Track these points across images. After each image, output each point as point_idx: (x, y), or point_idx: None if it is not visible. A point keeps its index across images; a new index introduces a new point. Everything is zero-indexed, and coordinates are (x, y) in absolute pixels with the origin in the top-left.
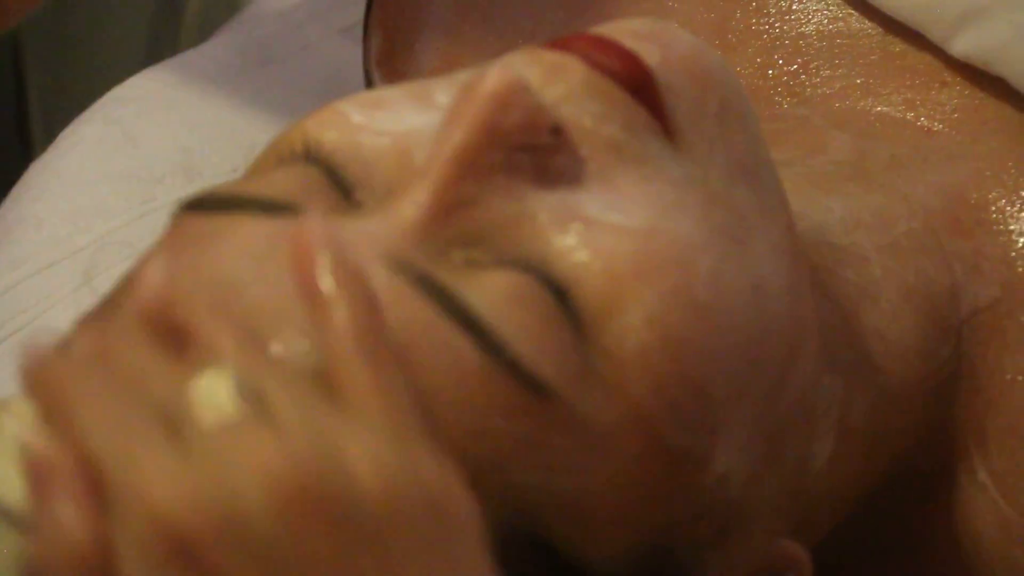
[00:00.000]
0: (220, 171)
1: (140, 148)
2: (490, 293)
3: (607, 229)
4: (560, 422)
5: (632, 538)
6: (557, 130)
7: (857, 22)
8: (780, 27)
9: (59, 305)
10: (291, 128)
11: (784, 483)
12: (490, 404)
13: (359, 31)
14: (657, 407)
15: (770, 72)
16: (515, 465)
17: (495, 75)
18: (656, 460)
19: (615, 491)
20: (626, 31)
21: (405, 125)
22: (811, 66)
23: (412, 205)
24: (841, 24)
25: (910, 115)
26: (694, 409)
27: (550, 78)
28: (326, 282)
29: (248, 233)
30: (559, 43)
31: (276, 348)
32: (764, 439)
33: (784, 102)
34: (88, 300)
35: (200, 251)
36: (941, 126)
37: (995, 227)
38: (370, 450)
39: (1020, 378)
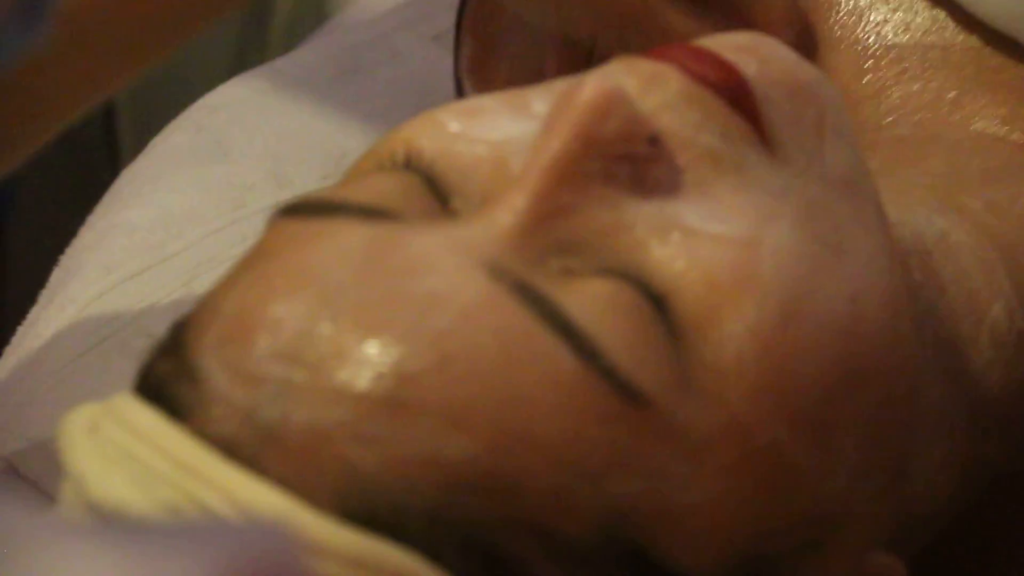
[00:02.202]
0: (310, 179)
1: (231, 155)
2: (587, 301)
3: (706, 238)
4: (657, 430)
5: (728, 547)
6: (655, 139)
7: (953, 35)
8: (874, 37)
9: (152, 310)
10: (390, 135)
11: (884, 494)
12: (587, 412)
13: (449, 38)
14: (755, 416)
15: (864, 80)
16: (611, 473)
17: (593, 84)
18: (753, 469)
19: (712, 500)
20: (724, 43)
21: (502, 134)
22: (904, 77)
23: (509, 212)
24: (935, 36)
25: (1004, 130)
26: (792, 419)
27: (648, 87)
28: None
29: (347, 237)
30: (657, 52)
31: (371, 350)
32: (864, 449)
33: (877, 113)
34: (184, 305)
35: (298, 254)
36: None
37: None
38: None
39: None
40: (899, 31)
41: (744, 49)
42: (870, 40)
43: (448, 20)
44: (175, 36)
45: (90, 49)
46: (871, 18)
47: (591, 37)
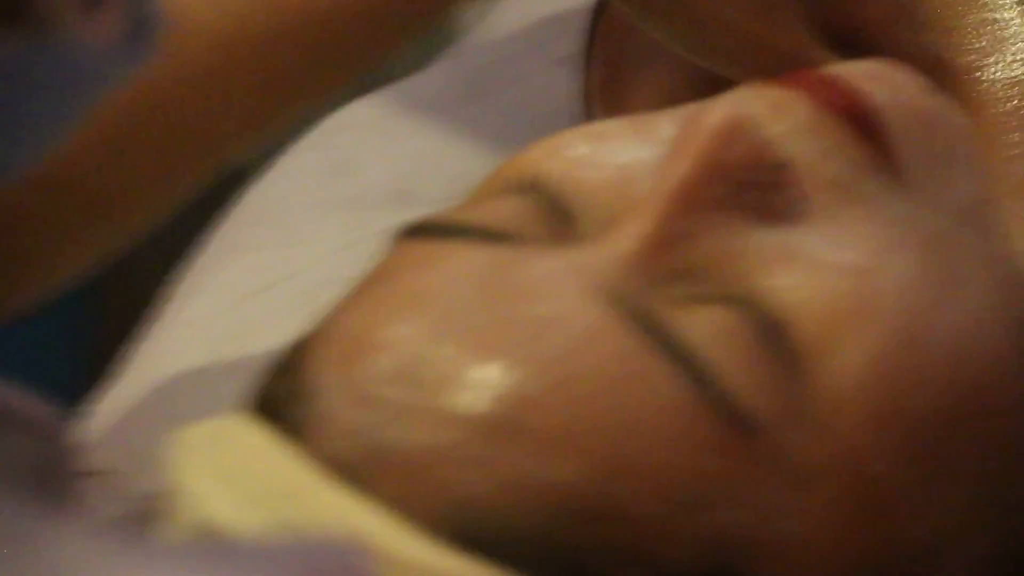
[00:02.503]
0: (436, 200)
1: (357, 176)
2: (705, 328)
3: (827, 267)
4: (768, 460)
5: None
6: (781, 166)
7: None
8: (1009, 70)
9: (271, 331)
10: (516, 157)
11: (995, 533)
12: (698, 439)
13: (576, 62)
14: (867, 448)
15: (1006, 106)
16: (720, 502)
17: (720, 109)
18: (862, 501)
19: (818, 532)
20: (855, 70)
21: (628, 158)
22: None
23: (631, 237)
24: None
25: None
26: (905, 452)
27: (775, 114)
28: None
29: (467, 260)
30: (785, 79)
31: (487, 373)
32: (978, 486)
33: (1014, 136)
34: (304, 325)
35: (417, 276)
36: None
37: None
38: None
39: None
40: None
41: (874, 77)
42: (1013, 70)
43: (575, 44)
44: (320, 89)
45: (236, 89)
46: (1007, 56)
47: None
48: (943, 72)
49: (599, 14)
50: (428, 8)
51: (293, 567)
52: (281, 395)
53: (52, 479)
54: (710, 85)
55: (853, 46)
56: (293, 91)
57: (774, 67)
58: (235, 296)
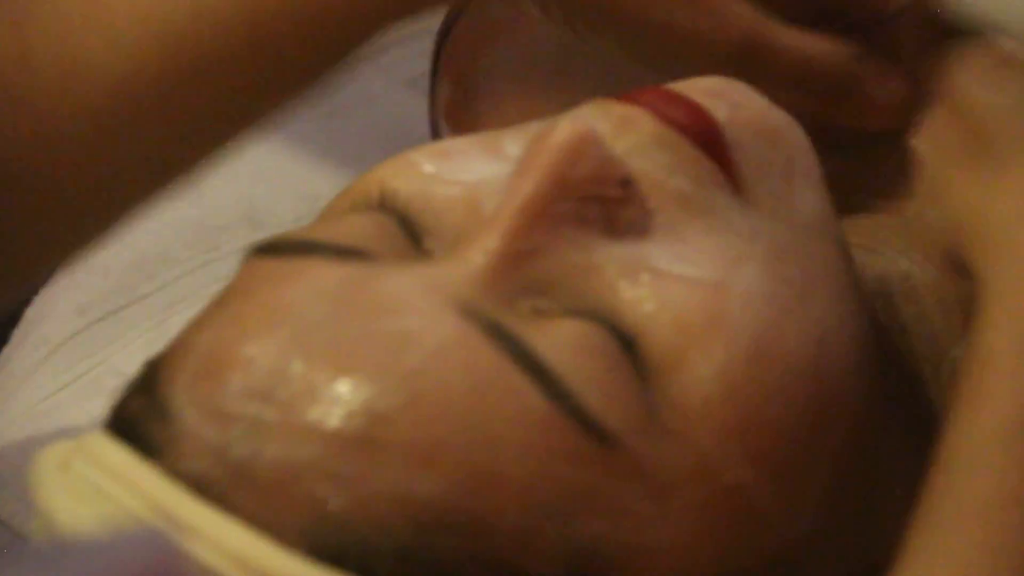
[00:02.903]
0: (284, 221)
1: (204, 196)
2: (557, 341)
3: (675, 280)
4: (625, 471)
5: None
6: (626, 182)
7: None
8: None
9: (126, 350)
10: (364, 176)
11: (850, 535)
12: (555, 451)
13: (424, 83)
14: (722, 457)
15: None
16: (579, 513)
17: (566, 126)
18: (720, 509)
19: (679, 540)
20: (696, 87)
21: (475, 175)
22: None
23: (481, 252)
24: None
25: None
26: (760, 460)
27: (620, 130)
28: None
29: (320, 276)
30: (629, 96)
31: (343, 388)
32: (830, 490)
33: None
34: (157, 345)
35: (271, 293)
36: None
37: None
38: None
39: None
40: None
41: (715, 93)
42: None
43: (423, 65)
44: (239, 123)
45: (143, 133)
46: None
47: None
48: None
49: (445, 35)
50: (342, 38)
51: (100, 563)
52: (138, 413)
53: None
54: (557, 104)
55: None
56: (200, 130)
57: (722, 56)
58: (89, 317)
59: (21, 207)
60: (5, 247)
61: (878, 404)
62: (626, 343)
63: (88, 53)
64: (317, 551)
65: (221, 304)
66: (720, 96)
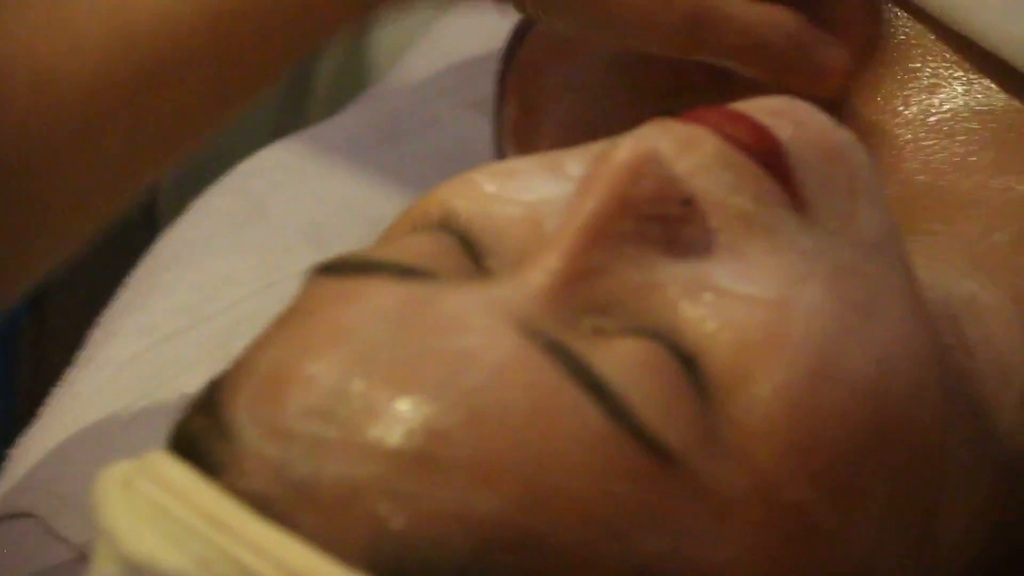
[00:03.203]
0: (348, 243)
1: (269, 219)
2: (618, 360)
3: (737, 299)
4: (684, 489)
5: None
6: (688, 201)
7: (997, 99)
8: (919, 103)
9: (189, 372)
10: (426, 196)
11: (909, 555)
12: (615, 469)
13: (488, 106)
14: (782, 476)
15: (908, 150)
16: (639, 531)
17: (628, 146)
18: (779, 529)
19: (737, 559)
20: (758, 107)
21: (537, 195)
22: (944, 141)
23: (542, 272)
24: (977, 99)
25: None
26: (820, 480)
27: (682, 149)
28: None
29: (382, 296)
30: (691, 115)
31: (403, 407)
32: (891, 510)
33: (918, 176)
34: (220, 365)
35: (333, 312)
36: None
37: None
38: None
39: None
40: (946, 98)
41: (778, 113)
42: (915, 108)
43: (488, 88)
44: (204, 122)
45: (112, 136)
46: (920, 85)
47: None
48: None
49: (510, 57)
50: (302, 37)
51: None
52: (200, 432)
53: None
54: (620, 125)
55: None
56: (167, 130)
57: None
58: (153, 338)
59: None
60: None
61: (942, 425)
62: (687, 362)
63: (56, 59)
64: (377, 569)
65: (283, 323)
66: (783, 115)
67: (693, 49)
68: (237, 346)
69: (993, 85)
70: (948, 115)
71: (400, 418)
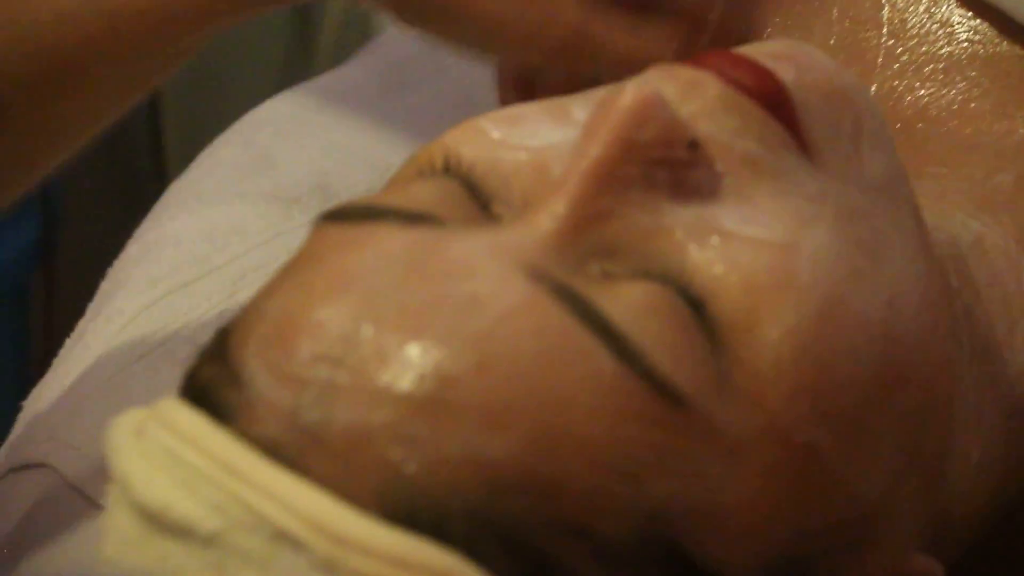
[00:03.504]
0: (356, 192)
1: (277, 169)
2: (627, 303)
3: (744, 242)
4: (695, 431)
5: (766, 547)
6: (694, 144)
7: (997, 44)
8: (917, 49)
9: (198, 320)
10: (431, 143)
11: (922, 495)
12: (626, 412)
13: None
14: (793, 418)
15: (908, 98)
16: (650, 473)
17: (632, 90)
18: (792, 470)
19: (750, 501)
20: (762, 51)
21: (542, 140)
22: (948, 86)
23: (549, 217)
24: (979, 46)
25: None
26: (830, 420)
27: (686, 94)
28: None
29: (389, 242)
30: (695, 60)
31: (413, 352)
32: (903, 450)
33: (918, 121)
34: (230, 315)
35: (341, 259)
36: None
37: None
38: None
39: None
40: (944, 43)
41: (782, 56)
42: (912, 52)
43: None
44: (105, 116)
45: (10, 134)
46: (919, 29)
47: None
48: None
49: None
50: (194, 31)
51: None
52: (211, 380)
53: None
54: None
55: None
56: (68, 128)
57: (585, 64)
58: (162, 289)
59: None
60: None
61: (951, 367)
62: (695, 305)
63: None
64: (389, 513)
65: (291, 270)
66: (786, 59)
67: (569, 68)
68: (246, 295)
69: (992, 31)
70: (954, 63)
71: (410, 363)
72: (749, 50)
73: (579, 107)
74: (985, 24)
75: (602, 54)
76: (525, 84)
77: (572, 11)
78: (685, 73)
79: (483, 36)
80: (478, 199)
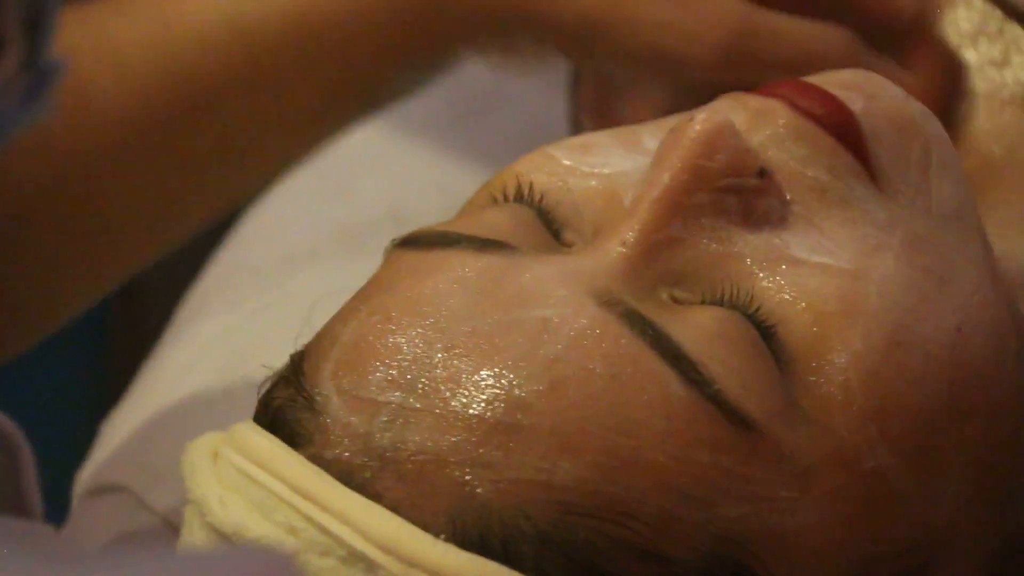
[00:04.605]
0: (428, 220)
1: (351, 197)
2: (696, 329)
3: (813, 269)
4: (764, 456)
5: (834, 571)
6: (763, 172)
7: None
8: (995, 78)
9: (274, 344)
10: (503, 171)
11: (990, 524)
12: (696, 437)
13: (567, 83)
14: (861, 443)
15: (986, 126)
16: (719, 498)
17: (702, 118)
18: (859, 495)
19: (818, 525)
20: (832, 79)
21: (614, 168)
22: (1020, 114)
23: (620, 244)
24: None
25: None
26: (897, 446)
27: (756, 122)
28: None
29: (462, 268)
30: (765, 88)
31: (485, 376)
32: (969, 477)
33: (993, 148)
34: (304, 339)
35: (414, 285)
36: None
37: None
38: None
39: None
40: (1009, 70)
41: (851, 85)
42: (983, 82)
43: (565, 65)
44: (244, 154)
45: (147, 164)
46: (992, 59)
47: None
48: None
49: None
50: (350, 79)
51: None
52: (285, 403)
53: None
54: (695, 99)
55: None
56: (206, 162)
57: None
58: (239, 314)
59: (38, 244)
60: (22, 287)
61: (1018, 393)
62: (764, 331)
63: (98, 87)
64: (461, 537)
65: (365, 296)
66: (856, 88)
67: (739, 67)
68: (320, 321)
69: None
70: (1021, 89)
71: (482, 387)
72: (818, 79)
73: (649, 135)
74: None
75: (771, 51)
76: (603, 110)
77: (735, 10)
78: (754, 101)
79: (647, 49)
80: (549, 226)
